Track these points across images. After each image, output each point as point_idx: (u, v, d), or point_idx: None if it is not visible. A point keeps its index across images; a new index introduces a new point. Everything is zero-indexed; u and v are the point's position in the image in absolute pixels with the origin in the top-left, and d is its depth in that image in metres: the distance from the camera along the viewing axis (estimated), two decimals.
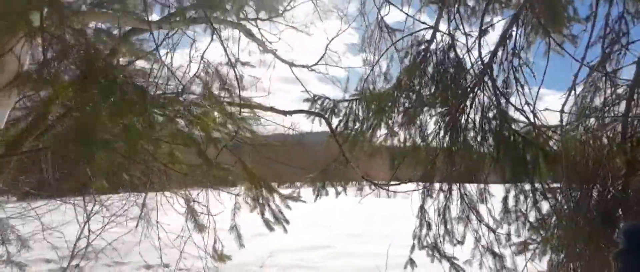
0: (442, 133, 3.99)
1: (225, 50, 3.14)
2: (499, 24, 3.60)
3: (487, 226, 3.54)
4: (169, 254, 5.44)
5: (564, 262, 3.29)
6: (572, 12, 3.46)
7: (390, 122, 4.93)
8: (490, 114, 3.54)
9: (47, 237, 5.46)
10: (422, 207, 4.13)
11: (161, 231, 5.21)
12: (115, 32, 3.24)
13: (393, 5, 4.67)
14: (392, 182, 4.75)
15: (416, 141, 4.63)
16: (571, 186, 3.30)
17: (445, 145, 3.91)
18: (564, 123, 3.12)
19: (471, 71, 3.86)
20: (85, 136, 1.96)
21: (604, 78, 2.97)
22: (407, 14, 4.51)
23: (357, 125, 5.23)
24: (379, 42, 4.76)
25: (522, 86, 3.34)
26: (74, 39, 2.09)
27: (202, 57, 3.72)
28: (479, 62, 3.54)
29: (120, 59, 2.92)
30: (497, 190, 3.89)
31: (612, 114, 3.00)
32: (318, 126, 5.39)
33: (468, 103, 3.75)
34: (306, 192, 5.05)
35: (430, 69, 4.19)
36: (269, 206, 2.84)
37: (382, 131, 5.02)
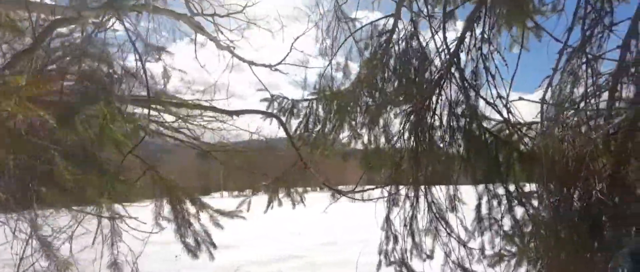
0: (407, 134, 3.54)
1: (132, 40, 2.55)
2: (466, 6, 3.16)
3: (458, 238, 3.09)
4: None
5: None
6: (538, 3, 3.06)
7: (353, 122, 4.48)
8: (459, 110, 3.11)
9: None
10: (387, 218, 3.65)
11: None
12: None
13: None
14: (356, 189, 4.29)
15: (380, 143, 4.18)
16: (549, 189, 2.89)
17: (410, 147, 3.46)
18: (540, 117, 2.70)
19: (436, 62, 3.42)
20: None
21: (584, 65, 2.56)
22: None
23: (318, 126, 4.76)
24: (337, 33, 4.27)
25: (493, 77, 2.91)
26: None
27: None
28: (445, 51, 3.10)
29: None
30: (467, 193, 3.45)
31: (594, 107, 2.60)
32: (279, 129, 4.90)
33: (434, 98, 3.30)
34: (262, 200, 4.52)
35: (392, 62, 3.74)
36: (190, 226, 2.28)
37: (345, 133, 4.57)
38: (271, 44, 7.89)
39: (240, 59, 7.00)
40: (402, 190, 3.65)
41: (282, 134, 5.38)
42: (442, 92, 3.21)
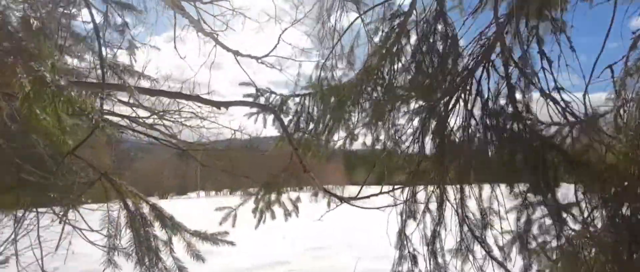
0: (428, 132, 2.96)
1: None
2: None
3: (498, 260, 2.52)
4: None
5: None
6: None
7: (351, 121, 3.89)
8: (497, 105, 2.54)
9: None
10: (402, 233, 3.06)
11: None
12: None
13: None
14: (359, 196, 3.69)
15: (387, 145, 3.61)
16: (609, 204, 2.36)
17: (432, 148, 2.88)
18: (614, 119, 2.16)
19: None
20: None
21: None
22: None
23: (311, 125, 4.16)
24: (340, 15, 3.65)
25: (549, 62, 2.34)
26: None
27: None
28: (483, 33, 2.52)
29: None
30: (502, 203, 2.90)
31: None
32: (270, 128, 4.27)
33: (465, 91, 2.73)
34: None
35: (408, 49, 3.16)
36: (157, 263, 1.62)
37: (342, 133, 3.99)
38: (257, 38, 7.25)
39: (225, 47, 6.30)
40: (417, 196, 3.10)
41: (266, 133, 4.77)
42: (473, 84, 2.64)
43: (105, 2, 2.49)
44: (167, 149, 7.64)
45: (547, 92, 2.32)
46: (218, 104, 3.09)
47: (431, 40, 2.87)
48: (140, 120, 6.29)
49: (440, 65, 2.78)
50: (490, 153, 2.61)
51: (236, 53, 6.48)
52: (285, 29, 6.42)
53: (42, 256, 3.11)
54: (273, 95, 4.21)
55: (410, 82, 3.20)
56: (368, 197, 3.67)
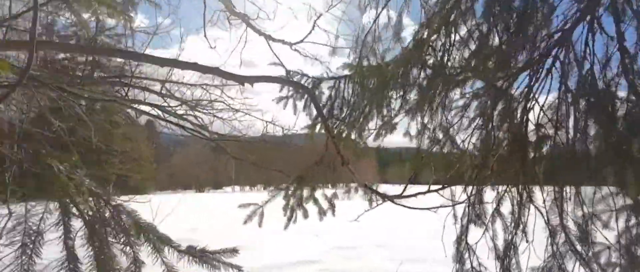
0: (497, 118, 2.34)
1: None
2: None
3: None
4: None
5: None
6: None
7: (391, 109, 3.34)
8: (605, 79, 1.89)
9: None
10: (462, 240, 2.46)
11: None
12: None
13: None
14: (404, 194, 3.13)
15: (438, 138, 3.01)
16: None
17: (505, 138, 2.26)
18: None
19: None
20: None
21: None
22: None
23: (345, 112, 3.66)
24: None
25: None
26: None
27: None
28: None
29: None
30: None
31: None
32: (301, 117, 3.80)
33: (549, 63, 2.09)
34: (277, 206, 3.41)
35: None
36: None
37: (379, 123, 3.45)
38: (292, 25, 6.82)
39: (256, 30, 5.87)
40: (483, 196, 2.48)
41: (300, 124, 4.30)
42: (570, 50, 1.99)
43: None
44: (202, 144, 7.37)
45: None
46: (242, 79, 2.62)
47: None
48: (171, 109, 6.02)
49: (519, 27, 2.15)
50: (590, 145, 1.96)
51: (268, 37, 6.05)
52: (320, 15, 5.96)
53: None
54: (305, 78, 3.72)
55: (474, 54, 2.58)
56: (415, 195, 3.10)
